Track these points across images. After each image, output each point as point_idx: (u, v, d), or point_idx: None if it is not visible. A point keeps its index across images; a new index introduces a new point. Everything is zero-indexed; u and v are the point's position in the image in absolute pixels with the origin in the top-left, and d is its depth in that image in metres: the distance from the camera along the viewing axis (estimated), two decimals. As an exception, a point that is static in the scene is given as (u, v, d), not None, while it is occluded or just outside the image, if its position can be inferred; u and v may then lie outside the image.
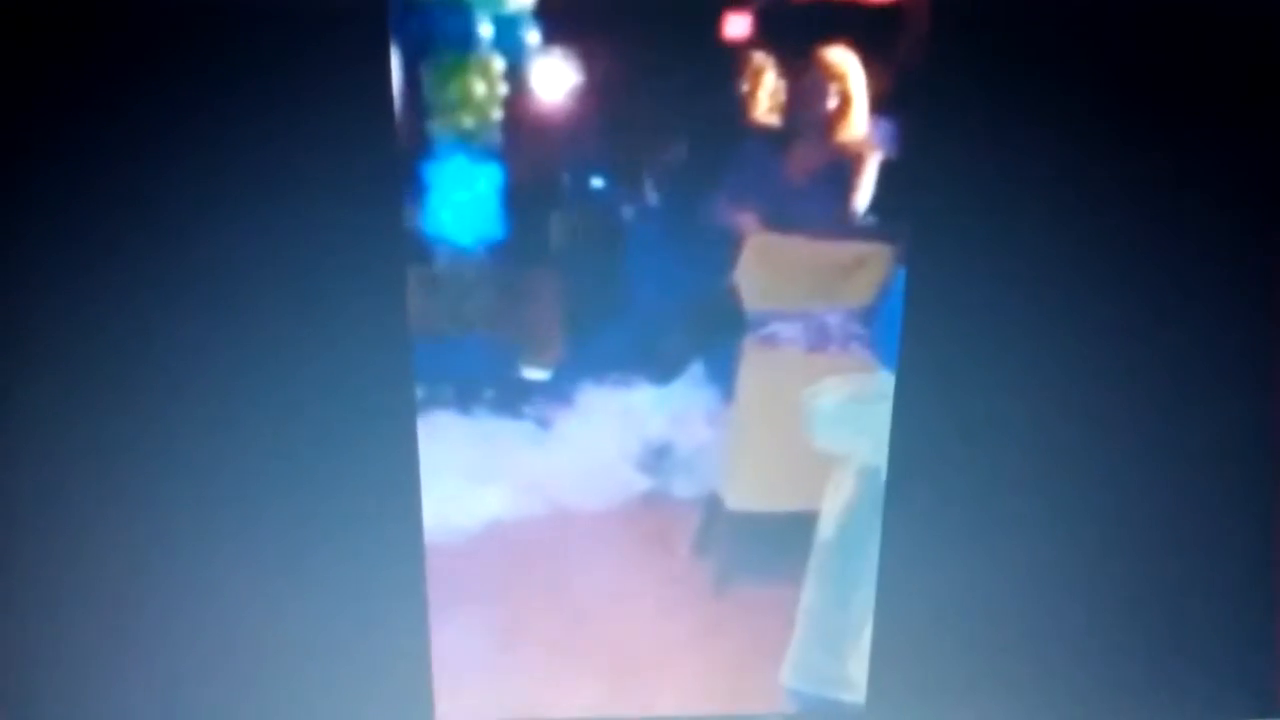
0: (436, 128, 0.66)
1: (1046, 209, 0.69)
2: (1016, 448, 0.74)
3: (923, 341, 0.71)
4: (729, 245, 0.69)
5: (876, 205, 0.69)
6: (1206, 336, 0.72)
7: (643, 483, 0.74)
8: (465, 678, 0.78)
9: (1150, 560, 0.77)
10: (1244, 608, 0.78)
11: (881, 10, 0.65)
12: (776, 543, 0.76)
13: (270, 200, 0.67)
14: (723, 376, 0.72)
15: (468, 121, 0.66)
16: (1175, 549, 0.76)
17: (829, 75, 0.66)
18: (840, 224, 0.69)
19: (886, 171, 0.68)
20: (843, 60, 0.66)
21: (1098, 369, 0.72)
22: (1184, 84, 0.67)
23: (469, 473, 0.73)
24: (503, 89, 0.66)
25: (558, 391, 0.72)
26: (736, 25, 0.65)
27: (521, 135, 0.66)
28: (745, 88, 0.66)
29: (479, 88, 0.66)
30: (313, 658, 0.76)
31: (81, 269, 0.67)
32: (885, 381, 0.72)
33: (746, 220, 0.69)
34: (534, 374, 0.72)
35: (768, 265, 0.69)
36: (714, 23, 0.65)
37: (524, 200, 0.68)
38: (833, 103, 0.66)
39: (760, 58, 0.65)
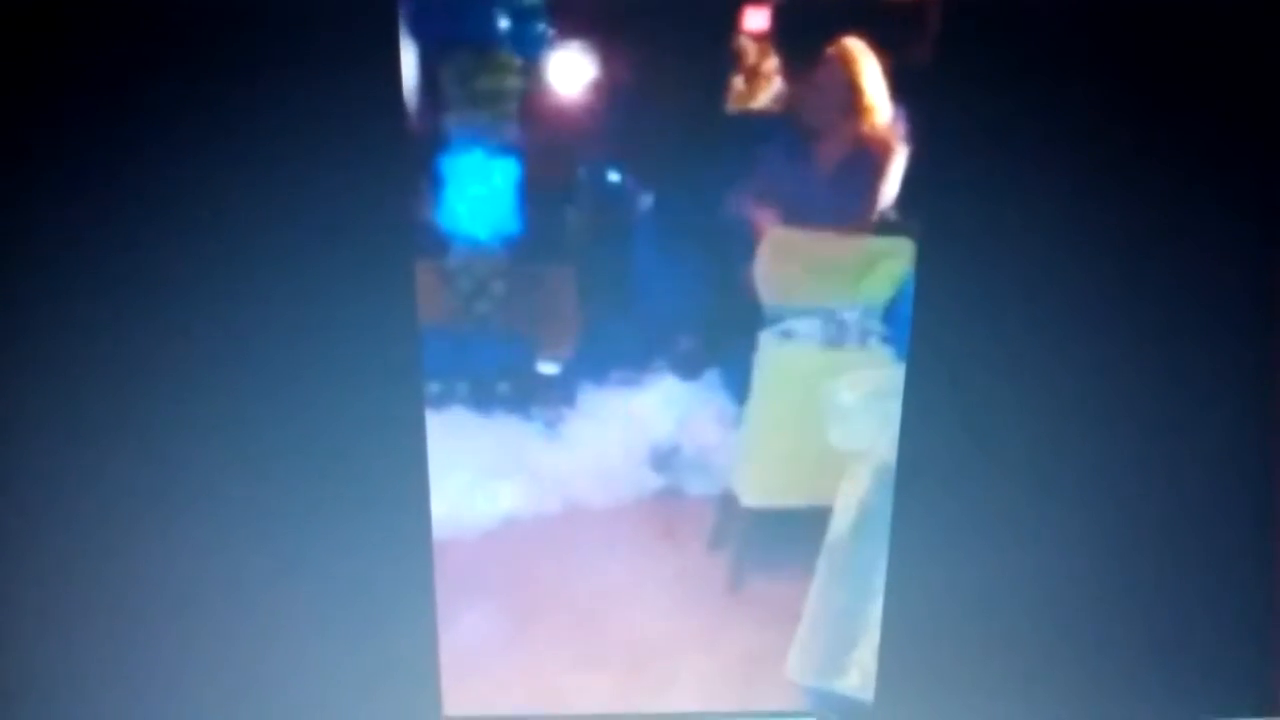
0: (453, 122, 0.65)
1: (1056, 206, 0.69)
2: (1025, 445, 0.74)
3: (932, 338, 0.71)
4: (746, 241, 0.69)
5: (892, 201, 0.68)
6: (1213, 334, 0.72)
7: (657, 479, 0.74)
8: (474, 671, 0.78)
9: (1155, 558, 0.77)
10: (1248, 612, 0.78)
11: (895, 7, 0.65)
12: (792, 539, 0.76)
13: (279, 196, 0.66)
14: (739, 373, 0.72)
15: (484, 116, 0.66)
16: (1180, 548, 0.77)
17: (845, 71, 0.66)
18: (857, 220, 0.69)
19: (900, 168, 0.68)
20: (858, 56, 0.65)
21: (1106, 366, 0.72)
22: (1193, 83, 0.67)
23: (482, 468, 0.73)
24: (519, 83, 0.65)
25: (572, 387, 0.72)
26: (754, 20, 0.65)
27: (538, 130, 0.66)
28: (761, 82, 0.66)
29: (495, 83, 0.65)
30: (322, 652, 0.76)
31: (85, 263, 0.67)
32: (902, 377, 0.72)
33: (764, 216, 0.68)
34: (548, 370, 0.71)
35: (785, 261, 0.69)
36: (731, 17, 0.64)
37: (540, 195, 0.67)
38: (849, 98, 0.66)
39: (777, 52, 0.65)
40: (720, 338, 0.71)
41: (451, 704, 0.79)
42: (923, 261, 0.69)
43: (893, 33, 0.65)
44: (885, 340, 0.71)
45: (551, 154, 0.67)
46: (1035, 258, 0.70)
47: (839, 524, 0.76)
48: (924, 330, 0.71)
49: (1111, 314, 0.71)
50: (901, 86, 0.66)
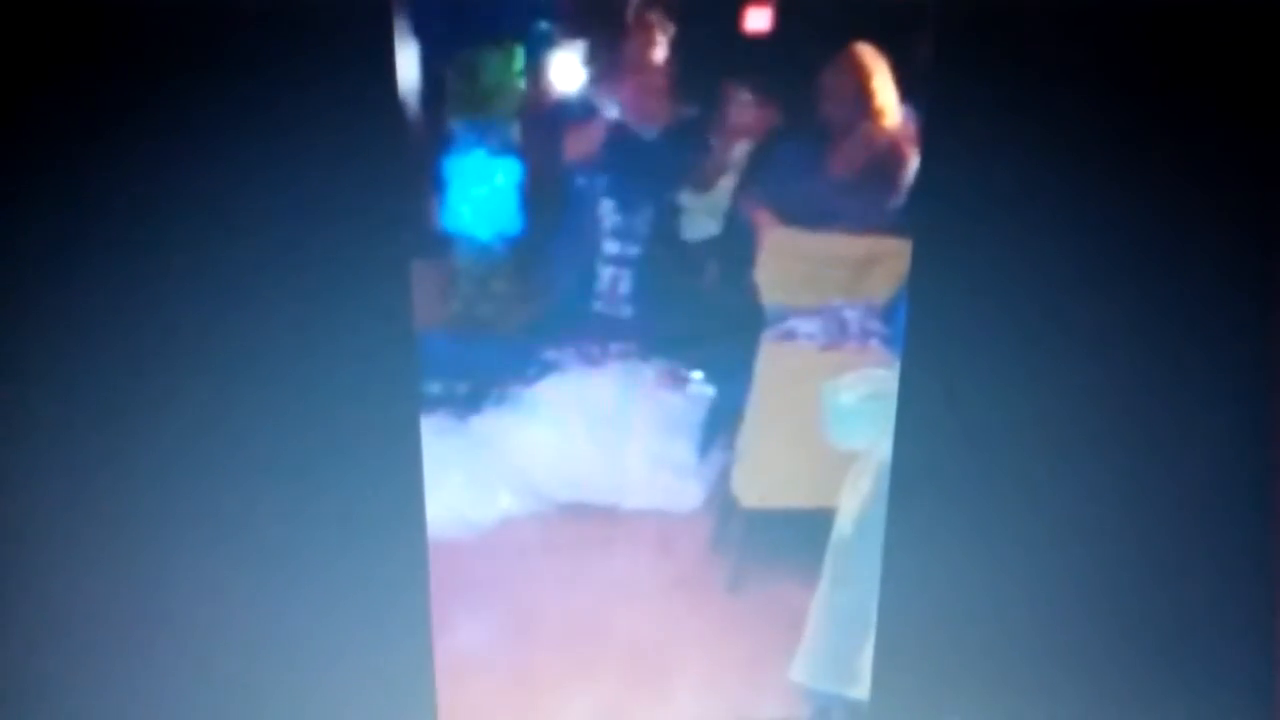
0: (451, 122, 0.65)
1: (1054, 208, 0.69)
2: (1021, 446, 0.74)
3: (927, 339, 0.71)
4: (748, 241, 0.69)
5: (893, 202, 0.69)
6: (1209, 335, 0.73)
7: (656, 480, 0.74)
8: (470, 678, 0.78)
9: (1153, 559, 0.77)
10: (1245, 608, 0.79)
11: (893, 10, 0.65)
12: (791, 540, 0.76)
13: (275, 197, 0.66)
14: (740, 372, 0.72)
15: (483, 116, 0.65)
16: (1178, 549, 0.77)
17: (846, 73, 0.66)
18: (859, 220, 0.69)
19: (901, 169, 0.68)
20: (860, 58, 0.66)
21: (1103, 368, 0.73)
22: (1191, 88, 0.67)
23: (479, 471, 0.73)
24: (519, 83, 0.65)
25: (570, 388, 0.71)
26: (756, 20, 0.65)
27: (538, 129, 0.66)
28: (763, 83, 0.66)
29: (494, 82, 0.65)
30: (316, 658, 0.76)
31: (82, 264, 0.66)
32: (902, 377, 0.72)
33: (765, 216, 0.69)
34: (546, 371, 0.71)
35: (786, 261, 0.70)
36: (733, 18, 0.64)
37: (539, 195, 0.67)
38: (850, 101, 0.67)
39: (777, 54, 0.65)
40: (721, 338, 0.71)
41: (447, 711, 0.78)
42: (918, 262, 0.70)
43: (891, 35, 0.66)
44: (886, 340, 0.72)
45: (551, 154, 0.67)
46: (1032, 258, 0.70)
47: (842, 524, 0.76)
48: (919, 331, 0.71)
49: (1108, 316, 0.72)
50: (900, 88, 0.67)
